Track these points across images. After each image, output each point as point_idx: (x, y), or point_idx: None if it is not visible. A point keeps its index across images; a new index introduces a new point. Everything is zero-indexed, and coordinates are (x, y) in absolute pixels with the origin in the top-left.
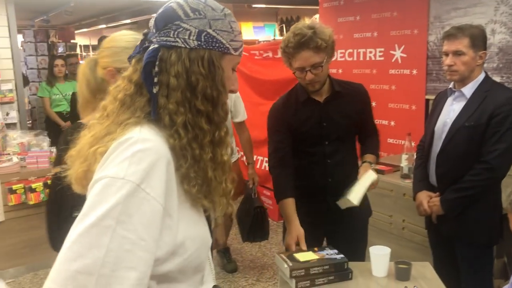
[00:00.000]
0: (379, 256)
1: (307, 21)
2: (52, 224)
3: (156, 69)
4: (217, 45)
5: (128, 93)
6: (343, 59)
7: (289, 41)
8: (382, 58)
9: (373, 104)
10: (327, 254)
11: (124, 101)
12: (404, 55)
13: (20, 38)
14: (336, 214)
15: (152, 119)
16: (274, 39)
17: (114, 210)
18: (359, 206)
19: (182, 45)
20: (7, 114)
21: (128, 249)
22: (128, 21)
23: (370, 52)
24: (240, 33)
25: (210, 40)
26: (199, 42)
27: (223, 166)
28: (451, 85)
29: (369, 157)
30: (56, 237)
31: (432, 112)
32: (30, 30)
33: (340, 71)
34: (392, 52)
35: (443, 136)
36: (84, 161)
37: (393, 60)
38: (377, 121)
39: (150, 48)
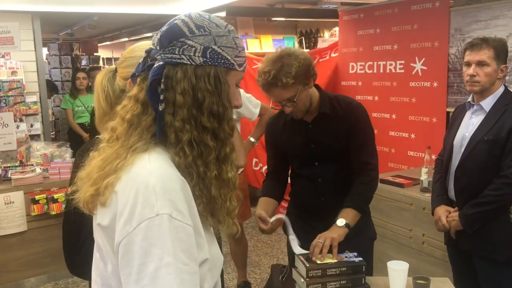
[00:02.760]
0: (397, 271)
1: (281, 49)
2: (70, 246)
3: (162, 86)
4: (222, 61)
5: (135, 113)
6: (363, 71)
7: (259, 78)
8: (402, 71)
9: (375, 131)
10: (346, 256)
11: (132, 122)
12: (425, 68)
13: (45, 51)
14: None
15: (159, 139)
16: None
17: (166, 246)
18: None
19: (188, 62)
20: (31, 125)
21: (183, 278)
22: (149, 34)
23: (390, 65)
24: (243, 49)
25: (216, 57)
26: (205, 59)
27: (228, 184)
28: (469, 99)
29: (347, 213)
30: (74, 261)
31: (450, 126)
32: (55, 44)
33: (360, 83)
34: (412, 64)
35: (462, 150)
36: (93, 184)
37: (413, 73)
38: (397, 134)
39: (155, 65)
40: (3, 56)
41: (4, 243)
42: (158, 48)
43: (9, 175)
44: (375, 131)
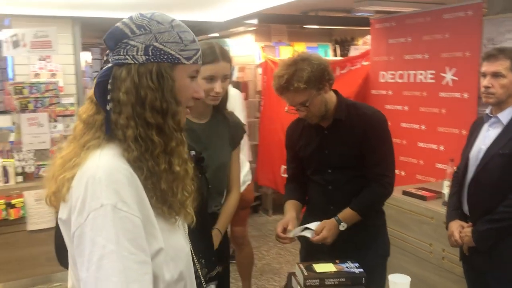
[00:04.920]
0: (398, 284)
1: (297, 54)
2: (59, 239)
3: (109, 87)
4: (165, 57)
5: (91, 113)
6: (393, 80)
7: (274, 82)
8: (432, 81)
9: (404, 142)
10: (346, 267)
11: (88, 122)
12: (455, 78)
13: (88, 55)
14: (343, 243)
15: (111, 137)
16: None
17: (109, 235)
18: (370, 244)
19: (132, 62)
20: (68, 126)
21: (127, 266)
22: None
23: (421, 74)
24: (193, 41)
25: (158, 53)
26: (147, 57)
27: (177, 176)
28: (487, 111)
29: (347, 214)
30: (63, 253)
31: (468, 138)
32: (97, 48)
33: (390, 92)
34: (442, 74)
35: (477, 163)
36: (54, 183)
37: (443, 83)
38: (425, 145)
39: (104, 67)
40: (44, 59)
41: (35, 238)
42: (109, 51)
43: (41, 173)
44: (404, 142)
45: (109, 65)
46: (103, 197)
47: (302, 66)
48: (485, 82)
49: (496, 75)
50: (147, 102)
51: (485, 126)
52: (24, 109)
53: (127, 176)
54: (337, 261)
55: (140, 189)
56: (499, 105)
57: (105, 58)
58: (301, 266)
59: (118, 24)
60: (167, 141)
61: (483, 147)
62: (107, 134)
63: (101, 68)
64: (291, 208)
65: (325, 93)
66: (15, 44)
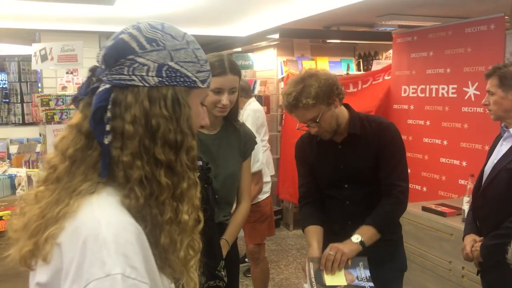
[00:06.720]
0: None
1: (304, 70)
2: None
3: (109, 114)
4: (182, 79)
5: (79, 147)
6: (415, 95)
7: (283, 100)
8: (455, 95)
9: (426, 157)
10: (357, 278)
11: (75, 158)
12: (478, 93)
13: None
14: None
15: (107, 179)
16: (347, 73)
17: None
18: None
19: (140, 84)
20: None
21: None
22: None
23: (443, 89)
24: (206, 61)
25: (173, 75)
26: (160, 79)
27: (184, 228)
28: (502, 124)
29: (364, 230)
30: None
31: (488, 153)
32: None
33: (412, 107)
34: (465, 89)
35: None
36: (31, 237)
37: (466, 98)
38: (448, 161)
39: (101, 89)
40: (71, 73)
41: None
42: (103, 67)
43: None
44: (425, 157)
45: (107, 86)
46: (110, 264)
47: (309, 82)
48: (484, 99)
49: (489, 92)
50: (159, 135)
51: (501, 141)
52: (50, 120)
53: (136, 235)
54: (349, 262)
55: (147, 248)
56: (506, 120)
57: (88, 74)
58: (312, 278)
59: (122, 35)
60: (177, 182)
61: (496, 162)
62: (102, 176)
63: (89, 89)
64: (313, 236)
65: (335, 108)
66: (43, 58)
